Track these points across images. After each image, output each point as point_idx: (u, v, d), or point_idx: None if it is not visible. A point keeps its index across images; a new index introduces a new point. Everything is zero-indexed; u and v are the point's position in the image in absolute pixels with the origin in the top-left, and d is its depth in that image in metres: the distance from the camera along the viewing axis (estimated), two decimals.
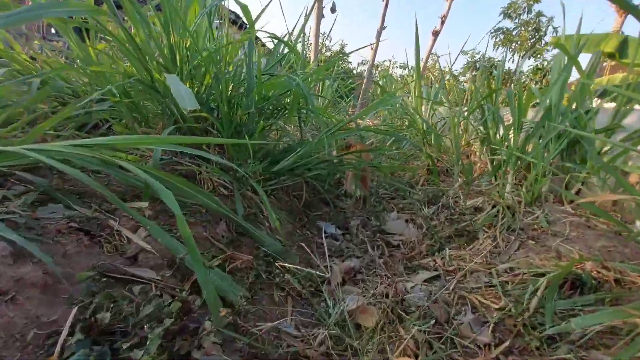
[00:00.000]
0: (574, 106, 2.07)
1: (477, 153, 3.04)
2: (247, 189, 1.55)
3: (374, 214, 2.12)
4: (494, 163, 2.52)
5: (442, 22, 10.87)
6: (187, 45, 1.54)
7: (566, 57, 2.19)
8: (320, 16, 8.15)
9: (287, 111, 1.94)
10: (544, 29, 10.16)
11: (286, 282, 1.18)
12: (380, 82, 6.11)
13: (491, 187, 2.22)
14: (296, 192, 2.06)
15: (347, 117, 3.57)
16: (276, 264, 1.24)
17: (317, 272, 1.21)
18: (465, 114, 2.92)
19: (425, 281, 1.39)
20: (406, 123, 3.98)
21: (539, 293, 1.09)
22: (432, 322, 1.06)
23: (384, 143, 3.61)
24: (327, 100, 3.92)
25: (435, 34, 10.68)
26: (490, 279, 1.29)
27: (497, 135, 2.53)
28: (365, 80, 8.38)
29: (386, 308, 1.10)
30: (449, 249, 1.59)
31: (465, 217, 1.84)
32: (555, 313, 1.04)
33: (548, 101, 2.06)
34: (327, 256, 1.54)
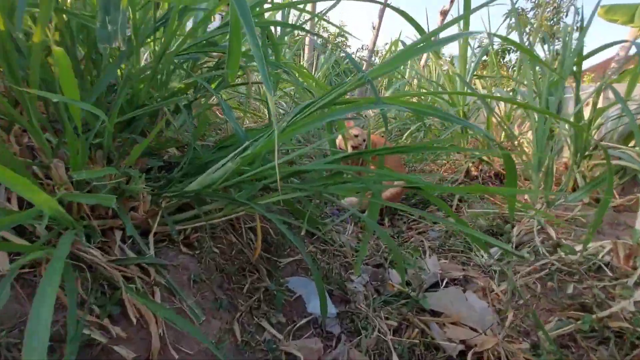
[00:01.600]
0: None
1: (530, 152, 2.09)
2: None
3: (393, 254, 1.17)
4: (580, 172, 1.58)
5: (452, 0, 9.82)
6: None
7: None
8: None
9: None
10: (564, 10, 9.08)
11: None
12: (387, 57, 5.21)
13: (595, 217, 1.29)
14: (252, 224, 1.12)
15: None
16: None
17: None
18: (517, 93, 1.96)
19: None
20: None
21: None
22: None
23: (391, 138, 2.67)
24: (321, 72, 3.01)
25: (444, 13, 9.65)
26: None
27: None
28: (365, 65, 7.42)
29: None
30: None
31: (586, 285, 0.91)
32: None
33: None
34: None
